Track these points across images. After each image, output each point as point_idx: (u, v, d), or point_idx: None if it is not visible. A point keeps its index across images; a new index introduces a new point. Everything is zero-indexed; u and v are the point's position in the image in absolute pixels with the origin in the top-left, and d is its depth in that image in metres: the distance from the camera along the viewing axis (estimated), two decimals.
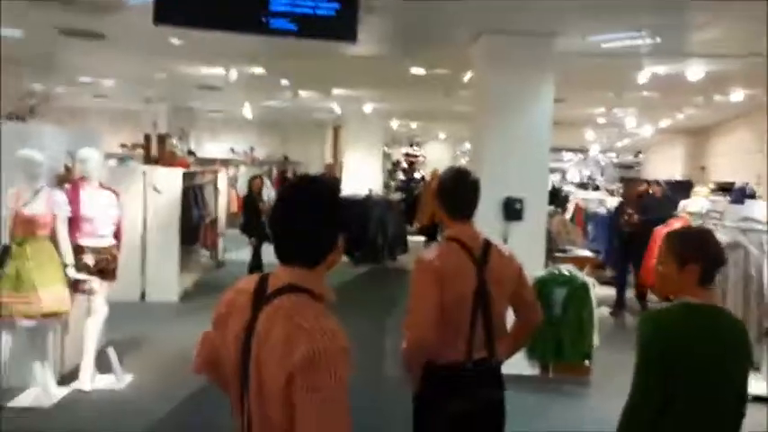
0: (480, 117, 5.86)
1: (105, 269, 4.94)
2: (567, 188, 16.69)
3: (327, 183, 1.63)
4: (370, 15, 4.75)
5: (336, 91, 10.24)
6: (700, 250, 2.07)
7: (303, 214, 1.52)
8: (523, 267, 2.57)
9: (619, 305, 7.90)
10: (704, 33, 5.56)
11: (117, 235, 5.07)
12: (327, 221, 1.55)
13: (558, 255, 6.17)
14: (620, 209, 8.31)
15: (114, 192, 5.08)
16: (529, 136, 5.53)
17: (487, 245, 2.48)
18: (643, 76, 6.96)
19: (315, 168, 13.76)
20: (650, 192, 8.86)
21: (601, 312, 5.82)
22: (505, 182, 5.45)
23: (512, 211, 5.46)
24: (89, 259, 4.82)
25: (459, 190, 2.50)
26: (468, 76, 7.07)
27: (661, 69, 6.97)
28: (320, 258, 1.53)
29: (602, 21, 5.20)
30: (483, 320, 2.37)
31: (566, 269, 5.45)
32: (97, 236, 4.89)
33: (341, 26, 3.61)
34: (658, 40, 5.56)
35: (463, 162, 32.37)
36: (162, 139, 10.15)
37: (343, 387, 1.39)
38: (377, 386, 5.15)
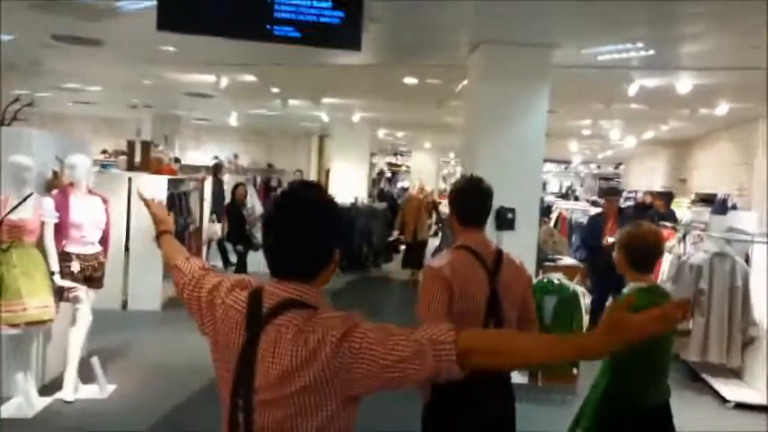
0: (474, 126, 5.85)
1: (92, 277, 4.82)
2: (547, 198, 16.82)
3: (325, 192, 1.54)
4: (369, 24, 4.72)
5: (326, 100, 10.20)
6: (627, 241, 2.65)
7: (300, 225, 1.43)
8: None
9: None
10: (696, 46, 5.62)
11: (104, 242, 4.95)
12: (325, 233, 1.46)
13: (547, 264, 6.16)
14: (594, 223, 7.18)
15: (103, 198, 4.96)
16: (523, 146, 5.53)
17: (499, 253, 2.43)
18: (633, 89, 7.02)
19: (297, 177, 13.63)
20: (644, 203, 8.63)
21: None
22: (498, 192, 5.34)
23: (504, 220, 5.45)
24: (75, 266, 4.70)
25: (471, 197, 2.46)
26: (460, 87, 7.06)
27: (651, 82, 7.04)
28: (316, 272, 1.45)
29: (600, 33, 5.23)
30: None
31: (556, 278, 5.45)
32: (85, 243, 4.76)
33: (345, 34, 3.57)
34: (652, 52, 5.61)
35: (445, 171, 32.77)
36: (146, 146, 9.95)
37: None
38: (381, 395, 5.07)
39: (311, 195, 1.48)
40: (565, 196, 23.58)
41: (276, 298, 1.41)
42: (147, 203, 2.14)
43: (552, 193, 22.15)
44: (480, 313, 2.31)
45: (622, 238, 2.71)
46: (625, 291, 2.70)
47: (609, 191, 8.19)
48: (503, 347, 1.35)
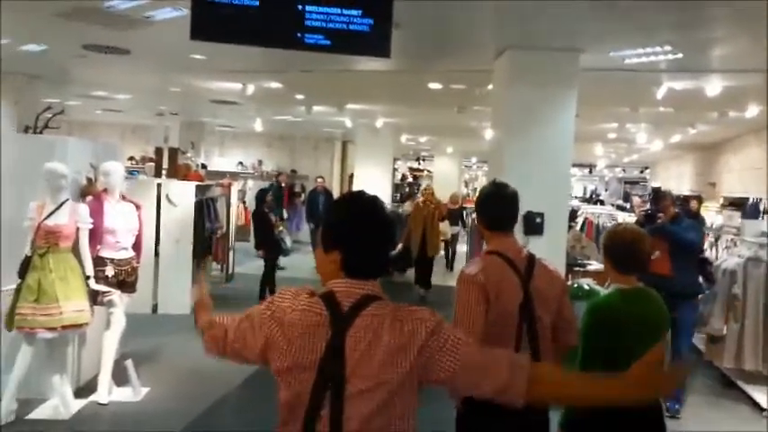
0: (501, 131, 5.87)
1: (125, 281, 4.93)
2: (572, 203, 16.73)
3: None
4: (395, 30, 4.77)
5: (350, 106, 10.29)
6: (608, 242, 2.72)
7: (379, 230, 1.62)
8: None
9: None
10: (724, 49, 5.57)
11: (137, 247, 5.06)
12: (393, 236, 1.72)
13: (576, 269, 6.14)
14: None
15: (136, 204, 5.07)
16: (551, 151, 5.54)
17: (532, 259, 2.45)
18: (661, 92, 6.96)
19: (320, 183, 13.64)
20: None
21: None
22: (526, 196, 5.36)
23: (532, 225, 5.45)
24: (110, 271, 4.81)
25: (497, 202, 2.49)
26: (484, 91, 7.07)
27: (679, 85, 6.97)
28: (383, 271, 1.63)
29: (627, 36, 5.22)
30: (529, 337, 2.32)
31: (585, 283, 5.41)
32: (119, 248, 4.88)
33: (374, 42, 3.64)
34: (680, 55, 5.57)
35: (467, 176, 32.63)
36: (174, 153, 10.13)
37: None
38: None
39: (379, 202, 1.67)
40: (589, 201, 23.38)
41: (354, 295, 1.54)
42: (199, 289, 2.18)
43: (576, 198, 21.98)
44: (514, 319, 2.32)
45: (604, 239, 2.78)
46: (606, 291, 2.73)
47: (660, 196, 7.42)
48: (566, 385, 1.50)
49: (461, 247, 13.16)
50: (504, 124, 5.73)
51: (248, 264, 11.04)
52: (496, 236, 2.49)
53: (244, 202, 14.34)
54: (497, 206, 2.50)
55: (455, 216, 12.33)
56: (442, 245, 11.49)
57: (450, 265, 12.54)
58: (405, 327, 1.49)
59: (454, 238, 12.54)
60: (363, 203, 1.65)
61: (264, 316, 1.62)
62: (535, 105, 5.52)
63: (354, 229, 1.60)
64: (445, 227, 11.40)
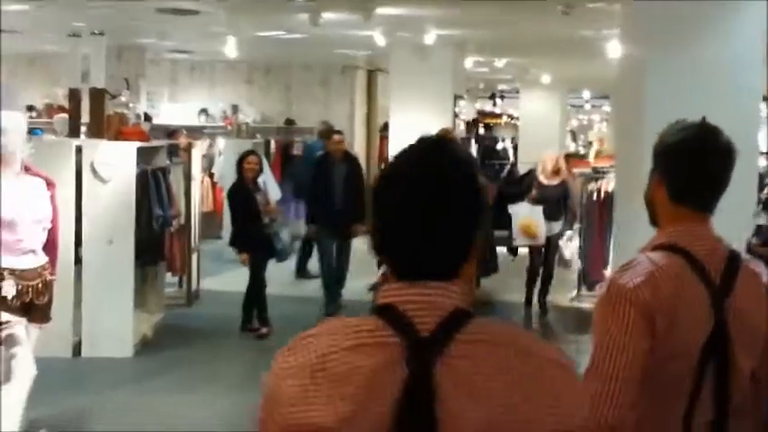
0: (638, 46, 5.89)
1: (34, 305, 5.03)
2: (763, 164, 16.36)
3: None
4: None
5: (381, 10, 10.22)
6: None
7: (454, 202, 1.61)
8: None
9: None
10: None
11: (50, 248, 5.16)
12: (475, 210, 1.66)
13: None
14: None
15: (47, 180, 5.17)
16: (723, 76, 5.53)
17: (734, 260, 2.37)
18: None
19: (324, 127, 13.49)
20: None
21: None
22: None
23: None
24: (9, 289, 4.89)
25: (704, 159, 2.37)
26: None
27: None
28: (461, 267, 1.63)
29: None
30: (715, 391, 2.28)
31: None
32: (22, 251, 4.97)
33: None
34: None
35: (574, 122, 32.05)
36: (98, 97, 10.29)
37: None
38: None
39: (459, 156, 1.67)
40: None
41: (435, 308, 1.55)
42: None
43: (765, 155, 21.45)
44: (692, 364, 2.26)
45: None
46: None
47: None
48: None
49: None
50: (646, 34, 5.74)
51: (222, 274, 11.14)
52: (683, 216, 2.40)
53: (211, 175, 14.48)
54: (702, 166, 2.39)
55: (552, 198, 10.42)
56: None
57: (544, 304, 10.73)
58: (531, 364, 1.55)
59: (552, 242, 10.46)
60: (413, 162, 1.63)
61: (321, 377, 1.56)
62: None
63: (396, 207, 1.61)
64: (530, 222, 10.22)
